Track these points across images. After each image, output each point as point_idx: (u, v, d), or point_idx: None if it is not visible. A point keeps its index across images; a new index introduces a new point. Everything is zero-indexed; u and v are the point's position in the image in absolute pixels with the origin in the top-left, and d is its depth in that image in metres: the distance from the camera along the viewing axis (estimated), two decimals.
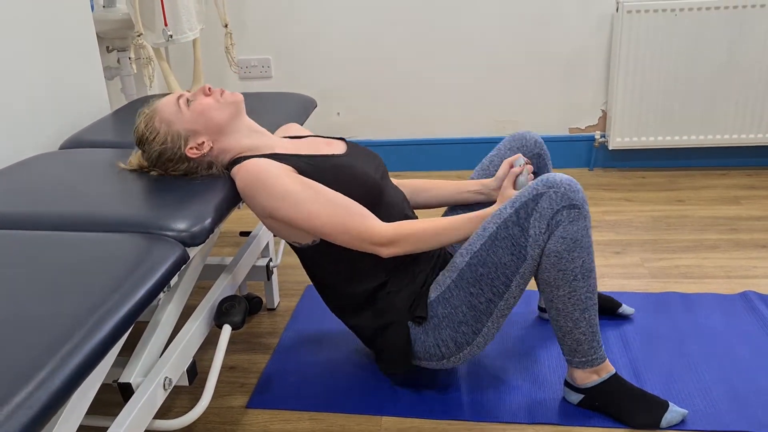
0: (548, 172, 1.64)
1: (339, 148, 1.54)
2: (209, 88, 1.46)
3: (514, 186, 1.47)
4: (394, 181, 1.67)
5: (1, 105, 1.69)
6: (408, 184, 1.67)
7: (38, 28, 1.83)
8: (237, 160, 1.46)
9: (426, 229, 1.37)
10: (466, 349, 1.43)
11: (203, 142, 1.44)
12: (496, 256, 1.34)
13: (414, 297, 1.44)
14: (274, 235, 1.58)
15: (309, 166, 1.42)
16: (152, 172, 1.48)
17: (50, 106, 1.87)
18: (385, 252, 1.36)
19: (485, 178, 1.66)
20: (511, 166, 1.52)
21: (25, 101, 1.77)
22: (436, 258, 1.51)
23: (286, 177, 1.37)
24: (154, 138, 1.44)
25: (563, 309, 1.38)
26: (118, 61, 2.58)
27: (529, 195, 1.32)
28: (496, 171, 1.63)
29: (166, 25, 2.33)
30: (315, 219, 1.35)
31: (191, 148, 1.44)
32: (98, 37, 2.42)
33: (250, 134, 1.49)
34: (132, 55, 2.44)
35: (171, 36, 2.35)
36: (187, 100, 1.45)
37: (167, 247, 1.18)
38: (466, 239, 1.39)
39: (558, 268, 1.34)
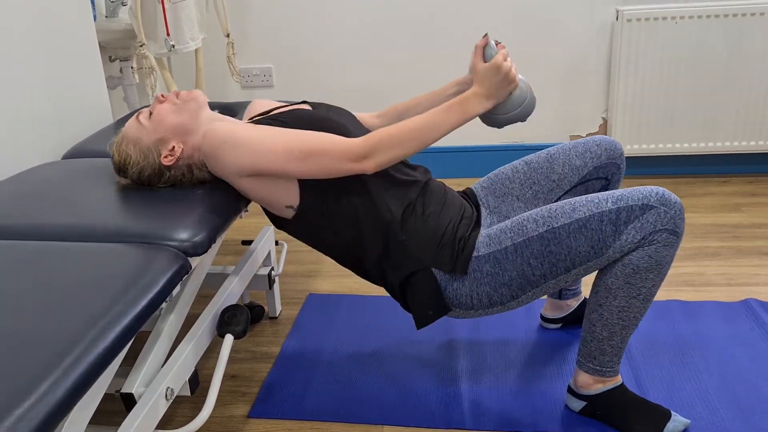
0: (620, 182, 1.61)
1: (303, 107, 1.54)
2: (162, 95, 1.48)
3: (483, 59, 1.36)
4: (376, 114, 1.63)
5: (5, 115, 1.70)
6: (390, 110, 1.62)
7: (41, 39, 1.84)
8: None
9: (400, 129, 1.31)
10: (497, 308, 1.39)
11: (173, 147, 1.44)
12: (575, 242, 1.30)
13: (435, 244, 1.37)
14: (277, 233, 1.56)
15: (271, 121, 1.42)
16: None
17: (53, 115, 1.88)
18: (369, 165, 1.31)
19: (539, 179, 1.58)
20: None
21: (28, 111, 1.78)
22: (457, 208, 1.46)
23: (244, 127, 1.37)
24: (129, 161, 1.45)
25: (608, 318, 1.36)
26: (121, 70, 2.59)
27: (638, 201, 1.27)
28: (557, 174, 1.56)
29: (168, 35, 2.34)
30: (282, 148, 1.32)
31: (165, 157, 1.44)
32: (101, 46, 2.43)
33: (212, 123, 1.47)
34: (134, 65, 2.46)
35: (173, 46, 2.36)
36: (149, 113, 1.46)
37: (169, 258, 1.18)
38: (451, 130, 1.33)
39: (628, 280, 1.31)
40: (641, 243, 1.28)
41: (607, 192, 1.32)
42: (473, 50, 1.40)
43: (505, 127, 2.95)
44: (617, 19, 2.72)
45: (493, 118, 1.40)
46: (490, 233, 1.38)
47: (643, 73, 2.72)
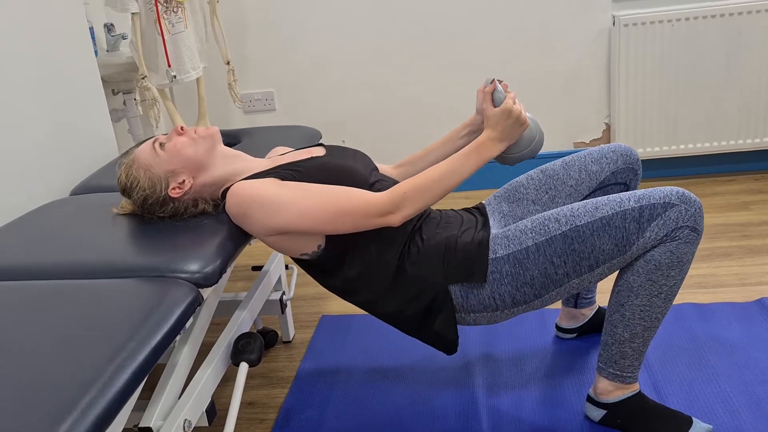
0: (637, 187, 1.61)
1: (319, 151, 1.55)
2: (182, 128, 1.48)
3: (493, 104, 1.40)
4: (394, 166, 1.65)
5: (12, 154, 1.71)
6: (407, 160, 1.64)
7: (45, 77, 1.86)
8: (225, 192, 1.48)
9: (424, 179, 1.33)
10: (521, 307, 1.39)
11: (183, 181, 1.45)
12: (599, 240, 1.31)
13: (442, 261, 1.38)
14: (285, 257, 1.57)
15: (292, 172, 1.43)
16: (145, 216, 1.50)
17: (60, 152, 1.90)
18: (396, 218, 1.33)
19: (555, 184, 1.59)
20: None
21: (35, 149, 1.80)
22: (458, 223, 1.46)
23: (272, 186, 1.38)
24: (137, 185, 1.46)
25: (630, 318, 1.37)
26: (124, 103, 2.61)
27: (659, 199, 1.30)
28: (573, 179, 1.58)
29: (169, 66, 2.37)
30: (312, 212, 1.33)
31: (173, 189, 1.45)
32: (103, 81, 2.46)
33: (227, 162, 1.49)
34: (137, 97, 2.48)
35: (175, 76, 2.38)
36: (161, 144, 1.47)
37: (181, 290, 1.19)
38: (470, 175, 1.36)
39: (650, 277, 1.33)
40: (663, 240, 1.30)
41: (627, 192, 1.35)
42: (480, 95, 1.43)
43: None
44: (614, 24, 2.73)
45: (507, 158, 1.45)
46: (507, 234, 1.38)
47: (643, 76, 2.73)
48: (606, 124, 2.95)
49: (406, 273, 1.39)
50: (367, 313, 2.08)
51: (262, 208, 1.36)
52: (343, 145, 1.60)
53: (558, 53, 2.85)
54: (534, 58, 2.87)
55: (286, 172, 1.43)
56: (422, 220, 1.46)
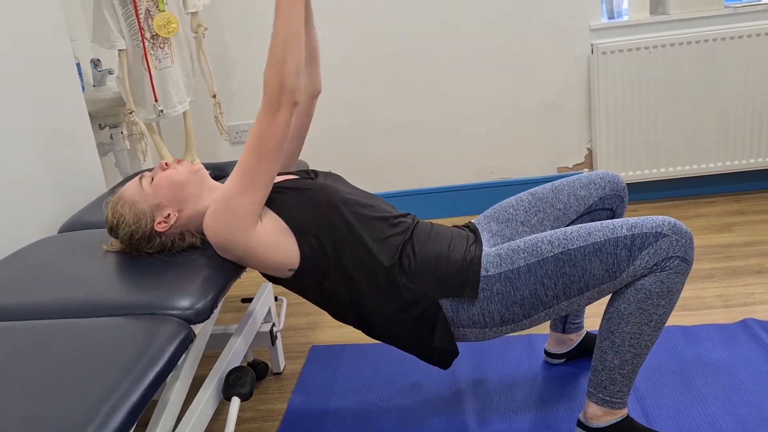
0: (623, 214, 1.65)
1: (291, 177, 1.57)
2: (166, 163, 1.50)
3: None
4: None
5: (0, 192, 1.72)
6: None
7: (31, 112, 1.87)
8: None
9: (271, 47, 1.32)
10: (510, 326, 1.41)
11: (169, 214, 1.46)
12: (589, 264, 1.34)
13: (434, 274, 1.39)
14: (275, 287, 1.57)
15: (279, 194, 1.46)
16: (133, 253, 1.51)
17: (48, 188, 1.90)
18: (287, 96, 1.32)
19: (544, 207, 1.61)
20: None
21: (23, 186, 1.81)
22: (448, 236, 1.47)
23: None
24: (122, 222, 1.47)
25: (619, 345, 1.39)
26: (111, 137, 2.63)
27: (651, 228, 1.33)
28: (562, 203, 1.59)
29: (156, 100, 2.39)
30: (242, 170, 1.35)
31: (159, 223, 1.46)
32: (90, 116, 2.47)
33: (210, 194, 1.51)
34: (124, 131, 2.50)
35: (162, 111, 2.40)
36: (151, 178, 1.49)
37: (172, 328, 1.20)
38: (300, 12, 1.33)
39: (640, 305, 1.35)
40: (654, 268, 1.33)
41: (620, 219, 1.38)
42: None
43: (494, 165, 2.99)
44: (592, 52, 2.79)
45: None
46: (500, 253, 1.40)
47: (623, 102, 2.79)
48: (588, 149, 3.00)
49: (397, 284, 1.40)
50: (356, 340, 2.09)
51: (216, 212, 1.38)
52: (324, 171, 1.62)
53: (540, 80, 2.91)
54: (516, 85, 2.92)
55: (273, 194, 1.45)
56: (413, 232, 1.47)
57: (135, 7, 2.28)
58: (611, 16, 2.88)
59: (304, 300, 2.44)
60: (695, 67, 2.72)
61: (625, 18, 2.84)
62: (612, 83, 2.76)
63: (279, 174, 1.61)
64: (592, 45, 2.80)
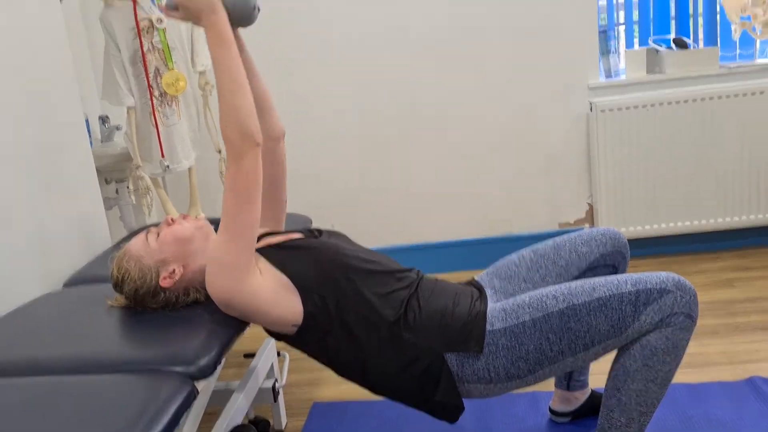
0: (626, 270, 1.65)
1: (297, 235, 1.58)
2: (172, 219, 1.52)
3: (173, 9, 1.43)
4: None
5: (6, 246, 1.73)
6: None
7: (41, 167, 1.90)
8: None
9: (219, 97, 1.36)
10: (515, 381, 1.40)
11: (174, 270, 1.47)
12: (594, 320, 1.34)
13: (439, 329, 1.39)
14: (277, 343, 1.56)
15: (270, 249, 1.47)
16: (138, 308, 1.51)
17: (54, 242, 1.92)
18: (250, 144, 1.33)
19: (546, 264, 1.62)
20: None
21: (29, 240, 1.82)
22: (452, 292, 1.48)
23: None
24: (128, 277, 1.47)
25: (626, 403, 1.38)
26: (117, 191, 2.66)
27: (655, 285, 1.33)
28: (564, 260, 1.61)
29: (163, 156, 2.42)
30: (227, 226, 1.36)
31: (164, 278, 1.47)
32: (97, 170, 2.51)
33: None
34: (130, 186, 2.52)
35: (168, 166, 2.43)
36: (157, 234, 1.50)
37: (175, 385, 1.19)
38: (235, 59, 1.36)
39: (645, 362, 1.35)
40: (659, 324, 1.33)
41: (624, 275, 1.38)
42: (170, 16, 1.46)
43: (496, 220, 3.02)
44: (591, 110, 2.85)
45: (235, 17, 1.45)
46: (505, 307, 1.40)
47: (621, 158, 2.83)
48: (589, 204, 3.02)
49: (402, 339, 1.40)
50: (359, 397, 2.07)
51: (211, 270, 1.39)
52: (328, 229, 1.64)
53: (540, 137, 2.96)
54: (518, 142, 2.97)
55: (265, 251, 1.46)
56: (418, 286, 1.48)
57: (144, 65, 2.33)
58: (609, 75, 2.94)
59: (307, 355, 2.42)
60: (692, 125, 2.77)
61: (623, 77, 2.91)
62: (611, 140, 2.81)
63: (283, 233, 1.62)
64: (590, 103, 2.85)
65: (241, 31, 1.54)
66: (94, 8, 2.63)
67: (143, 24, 2.31)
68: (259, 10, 1.49)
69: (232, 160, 1.35)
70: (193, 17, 1.42)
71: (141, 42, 2.32)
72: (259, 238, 1.63)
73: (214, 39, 1.38)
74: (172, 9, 1.44)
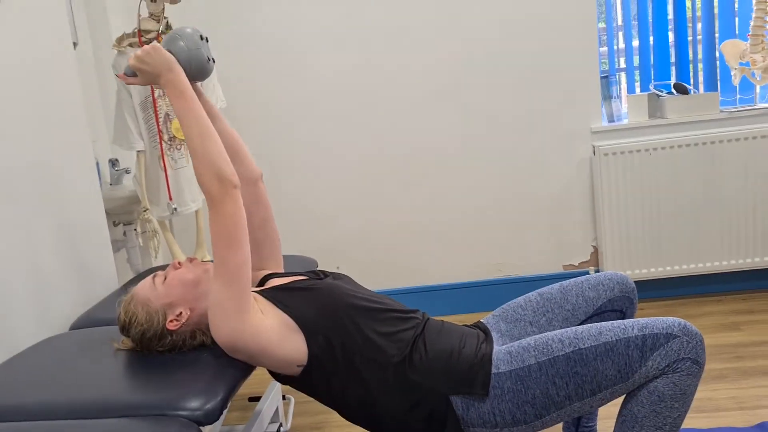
0: (633, 315, 1.64)
1: (300, 278, 1.59)
2: (179, 262, 1.53)
3: (131, 74, 1.53)
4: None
5: (12, 287, 1.74)
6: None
7: (52, 210, 1.93)
8: None
9: (190, 148, 1.41)
10: (521, 427, 1.39)
11: (181, 313, 1.48)
12: (601, 365, 1.33)
13: (445, 371, 1.39)
14: (283, 387, 1.56)
15: (274, 292, 1.49)
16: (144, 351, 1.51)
17: (61, 284, 1.93)
18: (225, 188, 1.37)
19: (552, 307, 1.62)
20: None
21: (37, 281, 1.83)
22: (458, 334, 1.48)
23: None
24: (134, 320, 1.48)
25: None
26: (124, 233, 2.68)
27: (662, 330, 1.33)
28: (571, 304, 1.60)
29: (170, 199, 2.45)
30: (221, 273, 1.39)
31: (171, 321, 1.47)
32: (106, 212, 2.54)
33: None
34: (138, 228, 2.55)
35: (175, 209, 2.46)
36: (164, 277, 1.51)
37: (181, 430, 1.19)
38: (197, 112, 1.42)
39: (653, 408, 1.34)
40: (666, 370, 1.32)
41: (631, 320, 1.38)
42: (127, 82, 1.56)
43: (501, 263, 3.03)
44: (594, 154, 2.88)
45: (192, 72, 1.52)
46: (510, 350, 1.40)
47: (626, 200, 2.85)
48: (593, 246, 3.03)
49: (407, 380, 1.40)
50: None
51: (213, 317, 1.41)
52: (333, 272, 1.65)
53: (544, 181, 2.99)
54: (522, 186, 3.00)
55: (269, 293, 1.48)
56: (424, 327, 1.48)
57: (155, 110, 2.38)
58: (611, 120, 2.98)
59: (312, 399, 2.41)
60: (695, 168, 2.80)
61: (625, 121, 2.95)
62: (614, 183, 2.83)
63: (288, 274, 1.64)
64: (593, 147, 2.89)
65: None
66: (107, 55, 2.69)
67: None
68: (213, 61, 1.57)
69: (212, 206, 1.39)
70: (153, 79, 1.50)
71: (152, 88, 2.37)
72: (264, 280, 1.64)
73: (175, 95, 1.46)
74: (130, 76, 1.54)
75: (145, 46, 1.49)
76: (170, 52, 1.50)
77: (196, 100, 1.45)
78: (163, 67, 1.47)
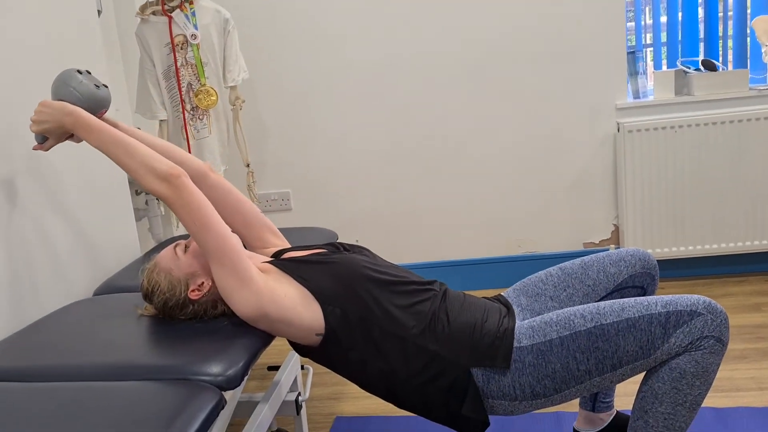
0: (654, 292, 1.64)
1: (319, 250, 1.59)
2: None
3: (42, 139, 1.55)
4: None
5: (37, 254, 1.77)
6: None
7: (75, 178, 1.94)
8: None
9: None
10: (540, 400, 1.39)
11: (203, 282, 1.49)
12: (623, 340, 1.33)
13: (468, 342, 1.40)
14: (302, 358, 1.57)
15: (293, 264, 1.50)
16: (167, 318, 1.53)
17: (84, 252, 1.95)
18: (171, 177, 1.39)
19: (573, 282, 1.61)
20: None
21: (61, 248, 1.86)
22: (481, 307, 1.49)
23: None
24: (157, 289, 1.50)
25: (653, 425, 1.36)
26: (146, 202, 2.70)
27: (686, 307, 1.32)
28: (591, 279, 1.60)
29: None
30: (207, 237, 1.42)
31: (193, 291, 1.49)
32: (128, 182, 2.55)
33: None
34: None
35: None
36: (185, 246, 1.53)
37: (205, 394, 1.21)
38: (110, 145, 1.44)
39: (674, 385, 1.33)
40: (689, 347, 1.31)
41: (654, 296, 1.37)
42: (43, 149, 1.58)
43: (521, 239, 3.01)
44: (618, 131, 2.84)
45: (88, 106, 1.53)
46: (533, 325, 1.40)
47: (649, 179, 2.81)
48: (615, 225, 3.01)
49: (428, 351, 1.41)
50: (382, 412, 2.07)
51: (224, 291, 1.44)
52: (352, 244, 1.65)
53: (567, 158, 2.95)
54: (544, 163, 2.97)
55: (286, 265, 1.49)
56: (444, 298, 1.49)
57: (178, 80, 2.38)
58: (637, 96, 2.94)
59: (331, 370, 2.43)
60: (720, 147, 2.75)
61: (651, 98, 2.90)
62: (638, 161, 2.80)
63: (307, 247, 1.64)
64: (618, 123, 2.85)
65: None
66: (130, 23, 2.69)
67: (178, 40, 2.36)
68: (105, 86, 1.59)
69: (169, 203, 1.41)
70: (61, 130, 1.52)
71: (175, 57, 2.37)
72: (283, 253, 1.65)
73: (85, 132, 1.48)
74: (42, 142, 1.57)
75: (36, 108, 1.52)
76: (60, 100, 1.53)
77: (106, 128, 1.47)
78: (61, 114, 1.50)
